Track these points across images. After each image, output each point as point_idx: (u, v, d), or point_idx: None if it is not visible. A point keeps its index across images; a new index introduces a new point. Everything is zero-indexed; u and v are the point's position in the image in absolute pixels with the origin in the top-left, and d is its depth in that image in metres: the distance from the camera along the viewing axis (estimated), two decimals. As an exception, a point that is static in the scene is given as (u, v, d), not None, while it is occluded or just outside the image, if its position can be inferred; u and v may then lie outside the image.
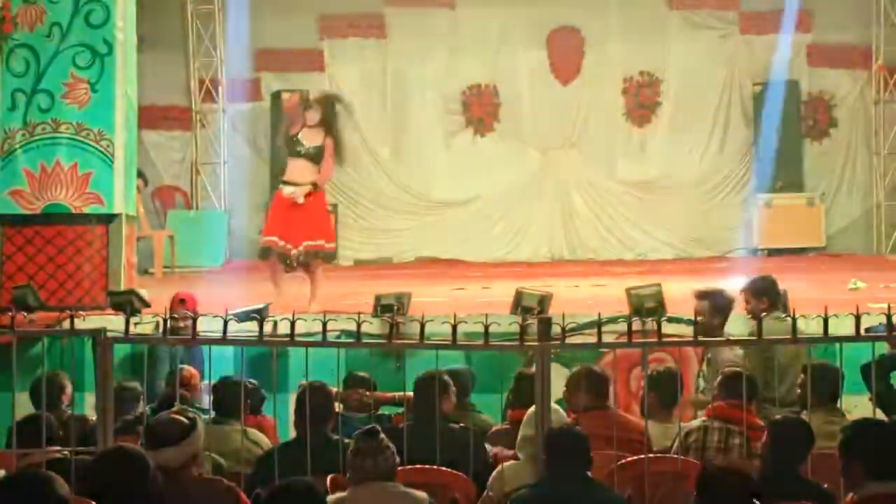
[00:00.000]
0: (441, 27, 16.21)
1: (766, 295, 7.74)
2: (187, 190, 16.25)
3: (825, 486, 5.01)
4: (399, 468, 5.02)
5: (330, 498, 4.79)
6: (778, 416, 5.46)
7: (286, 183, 10.08)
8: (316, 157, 9.97)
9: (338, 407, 6.30)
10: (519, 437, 5.66)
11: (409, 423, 5.88)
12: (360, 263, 15.53)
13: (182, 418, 4.84)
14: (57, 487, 3.76)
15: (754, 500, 4.34)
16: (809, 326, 5.75)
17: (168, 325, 5.57)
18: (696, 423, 6.10)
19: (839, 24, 15.93)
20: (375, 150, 16.31)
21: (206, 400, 6.89)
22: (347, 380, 7.02)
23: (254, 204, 15.93)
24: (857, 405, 6.67)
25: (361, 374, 7.11)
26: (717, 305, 7.63)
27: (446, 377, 6.35)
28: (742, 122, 16.33)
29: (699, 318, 6.07)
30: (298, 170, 10.02)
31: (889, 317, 5.17)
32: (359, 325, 5.41)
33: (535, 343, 5.32)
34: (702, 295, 7.74)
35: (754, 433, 5.74)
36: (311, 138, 10.01)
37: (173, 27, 16.00)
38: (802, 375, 6.13)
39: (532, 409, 5.41)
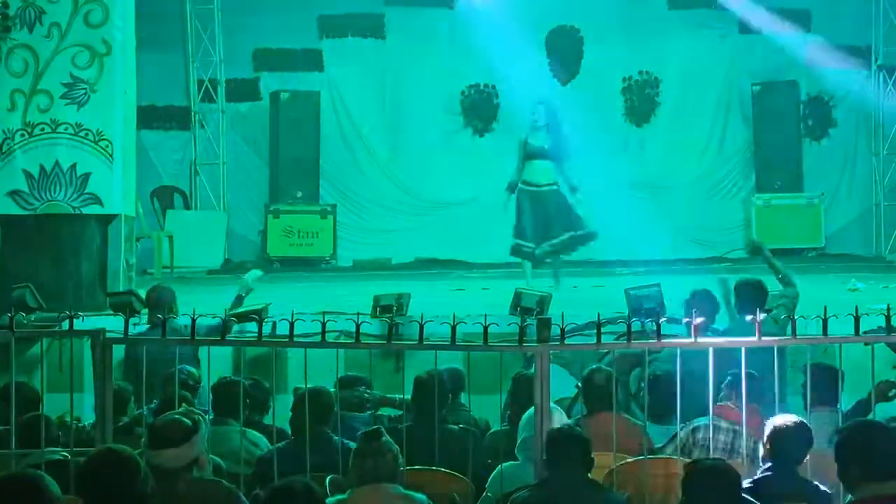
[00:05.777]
0: (440, 27, 16.20)
1: (736, 297, 7.80)
2: (186, 190, 16.24)
3: (824, 486, 5.01)
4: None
5: (329, 499, 4.78)
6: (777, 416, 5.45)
7: None
8: None
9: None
10: (519, 439, 5.65)
11: (408, 424, 5.87)
12: (359, 264, 15.50)
13: (185, 420, 4.80)
14: (47, 487, 3.74)
15: (742, 500, 4.34)
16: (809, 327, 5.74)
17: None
18: (703, 420, 6.06)
19: (839, 23, 15.92)
20: (374, 150, 16.31)
21: None
22: (342, 382, 6.99)
23: (253, 204, 15.93)
24: None
25: (359, 376, 7.09)
26: (693, 304, 7.63)
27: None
28: (741, 121, 16.33)
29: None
30: None
31: (888, 318, 5.17)
32: (358, 326, 5.40)
33: (535, 344, 5.32)
34: (691, 294, 7.80)
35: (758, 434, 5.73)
36: None
37: (172, 27, 15.98)
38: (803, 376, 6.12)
39: (531, 410, 5.40)
